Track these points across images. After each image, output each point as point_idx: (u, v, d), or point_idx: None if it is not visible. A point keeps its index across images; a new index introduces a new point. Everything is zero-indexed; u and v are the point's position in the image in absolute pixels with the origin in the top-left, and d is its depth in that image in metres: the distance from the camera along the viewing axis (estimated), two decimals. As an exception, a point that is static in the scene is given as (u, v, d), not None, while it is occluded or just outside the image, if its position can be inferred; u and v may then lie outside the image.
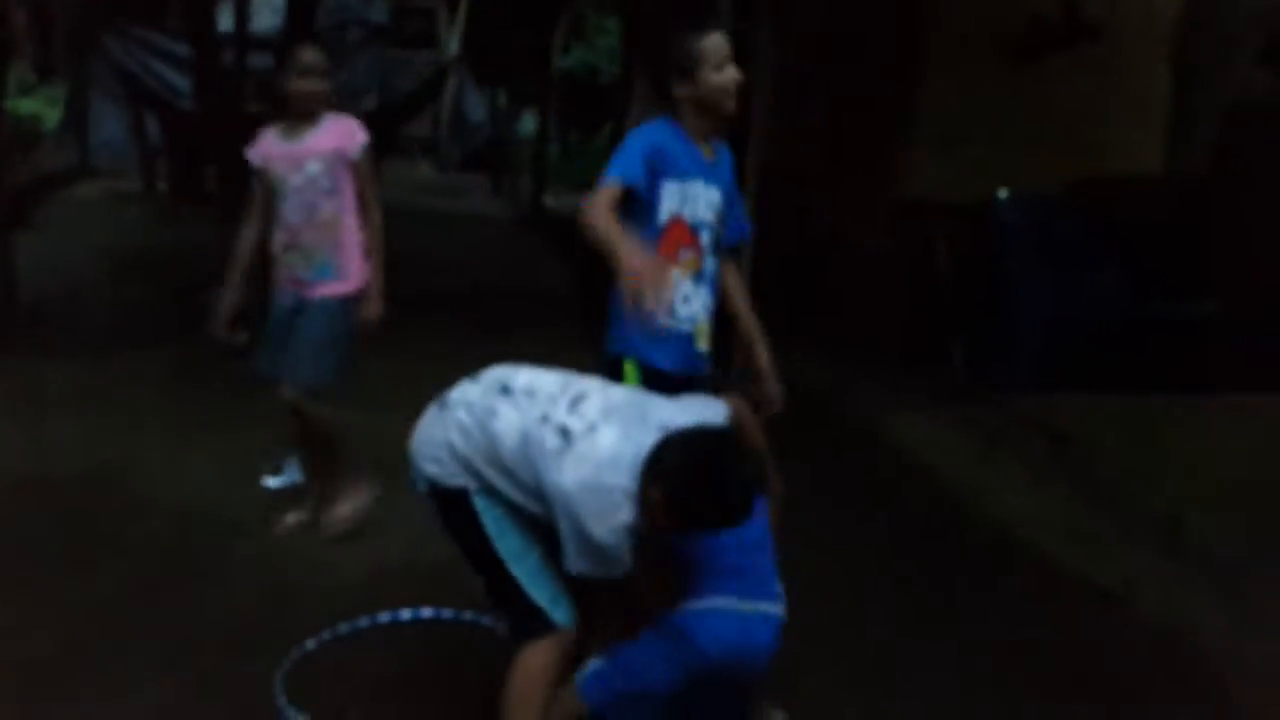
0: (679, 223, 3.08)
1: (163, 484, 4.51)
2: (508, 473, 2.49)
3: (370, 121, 12.75)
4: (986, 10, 6.70)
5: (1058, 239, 6.48)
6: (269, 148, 3.97)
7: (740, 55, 5.72)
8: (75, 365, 6.10)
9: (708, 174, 3.14)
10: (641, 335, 2.91)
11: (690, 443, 2.41)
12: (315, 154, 3.89)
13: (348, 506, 4.13)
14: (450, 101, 17.34)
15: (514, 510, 2.55)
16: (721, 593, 2.62)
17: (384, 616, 3.41)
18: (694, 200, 3.12)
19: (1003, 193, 6.58)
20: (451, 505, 2.58)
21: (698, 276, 3.14)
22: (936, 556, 4.27)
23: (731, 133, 5.72)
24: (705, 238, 3.15)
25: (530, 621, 2.54)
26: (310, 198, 3.90)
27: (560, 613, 2.53)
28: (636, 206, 3.00)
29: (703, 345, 3.15)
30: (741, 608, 2.62)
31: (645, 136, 3.04)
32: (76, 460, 4.68)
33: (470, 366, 2.71)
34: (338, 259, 3.94)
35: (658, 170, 3.05)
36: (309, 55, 3.87)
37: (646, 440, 2.40)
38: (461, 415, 2.56)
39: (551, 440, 2.42)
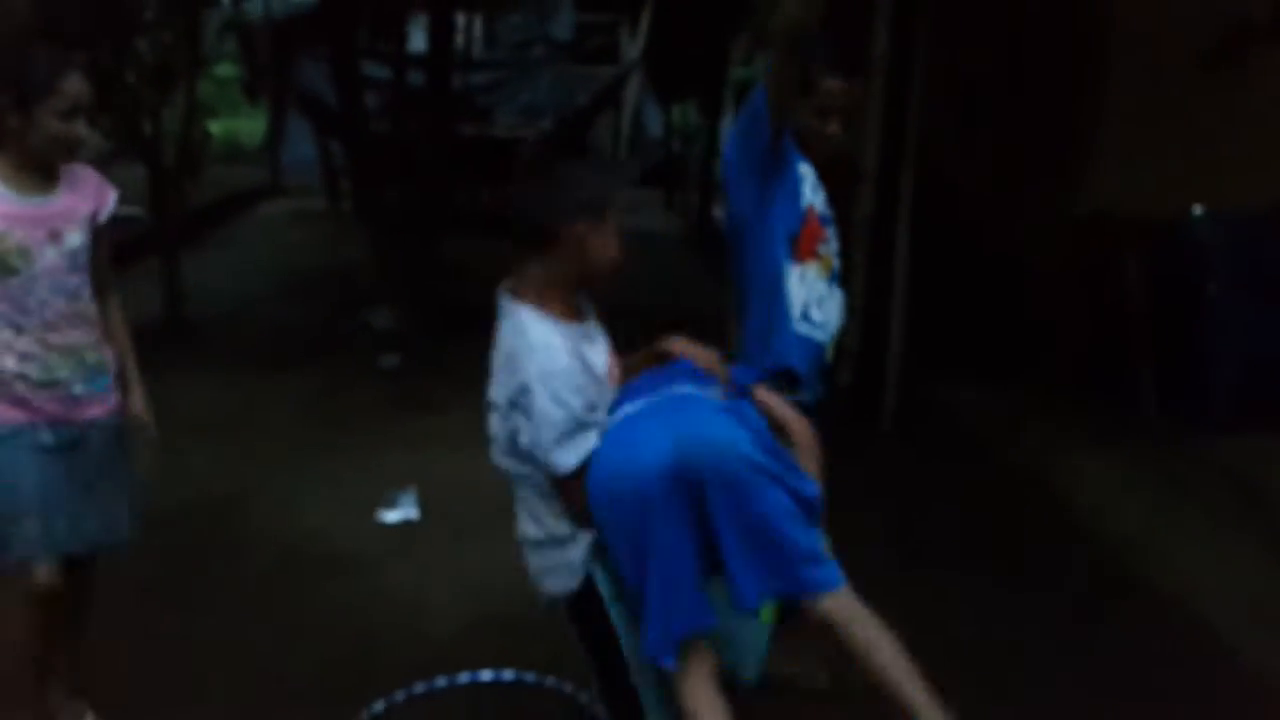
0: (814, 213, 2.82)
1: (274, 516, 4.46)
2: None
3: (548, 139, 12.60)
4: (1178, 7, 6.01)
5: (1263, 262, 5.75)
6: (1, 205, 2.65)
7: (900, 57, 5.30)
8: (215, 387, 6.21)
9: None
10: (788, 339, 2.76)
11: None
12: (76, 219, 2.72)
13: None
14: (630, 115, 17.30)
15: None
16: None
17: (463, 677, 3.20)
18: (819, 192, 2.86)
19: (1198, 209, 5.90)
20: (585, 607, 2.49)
21: (833, 277, 2.87)
22: (1093, 636, 3.70)
23: (886, 138, 5.34)
24: (832, 234, 2.90)
25: None
26: (71, 279, 2.71)
27: None
28: (781, 183, 2.75)
29: (829, 359, 2.92)
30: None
31: None
32: (191, 490, 4.64)
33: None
34: (109, 359, 2.86)
35: (792, 149, 2.79)
36: (77, 85, 2.60)
37: None
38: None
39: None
